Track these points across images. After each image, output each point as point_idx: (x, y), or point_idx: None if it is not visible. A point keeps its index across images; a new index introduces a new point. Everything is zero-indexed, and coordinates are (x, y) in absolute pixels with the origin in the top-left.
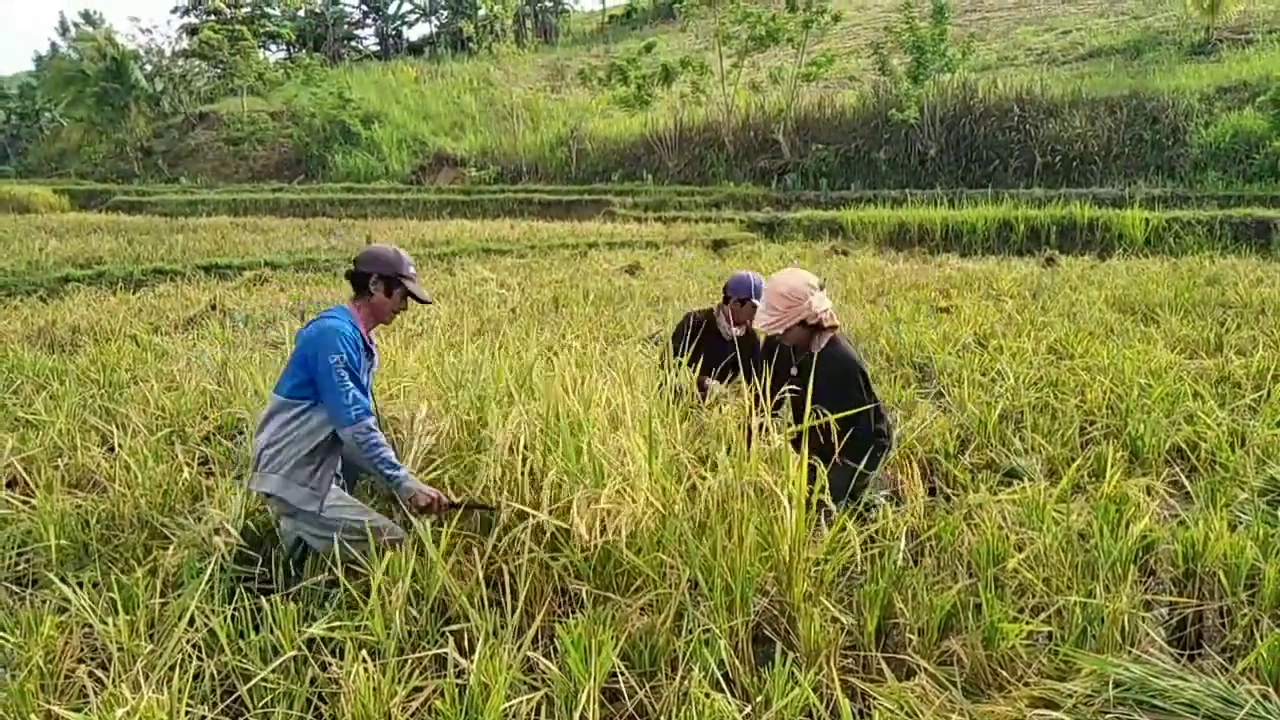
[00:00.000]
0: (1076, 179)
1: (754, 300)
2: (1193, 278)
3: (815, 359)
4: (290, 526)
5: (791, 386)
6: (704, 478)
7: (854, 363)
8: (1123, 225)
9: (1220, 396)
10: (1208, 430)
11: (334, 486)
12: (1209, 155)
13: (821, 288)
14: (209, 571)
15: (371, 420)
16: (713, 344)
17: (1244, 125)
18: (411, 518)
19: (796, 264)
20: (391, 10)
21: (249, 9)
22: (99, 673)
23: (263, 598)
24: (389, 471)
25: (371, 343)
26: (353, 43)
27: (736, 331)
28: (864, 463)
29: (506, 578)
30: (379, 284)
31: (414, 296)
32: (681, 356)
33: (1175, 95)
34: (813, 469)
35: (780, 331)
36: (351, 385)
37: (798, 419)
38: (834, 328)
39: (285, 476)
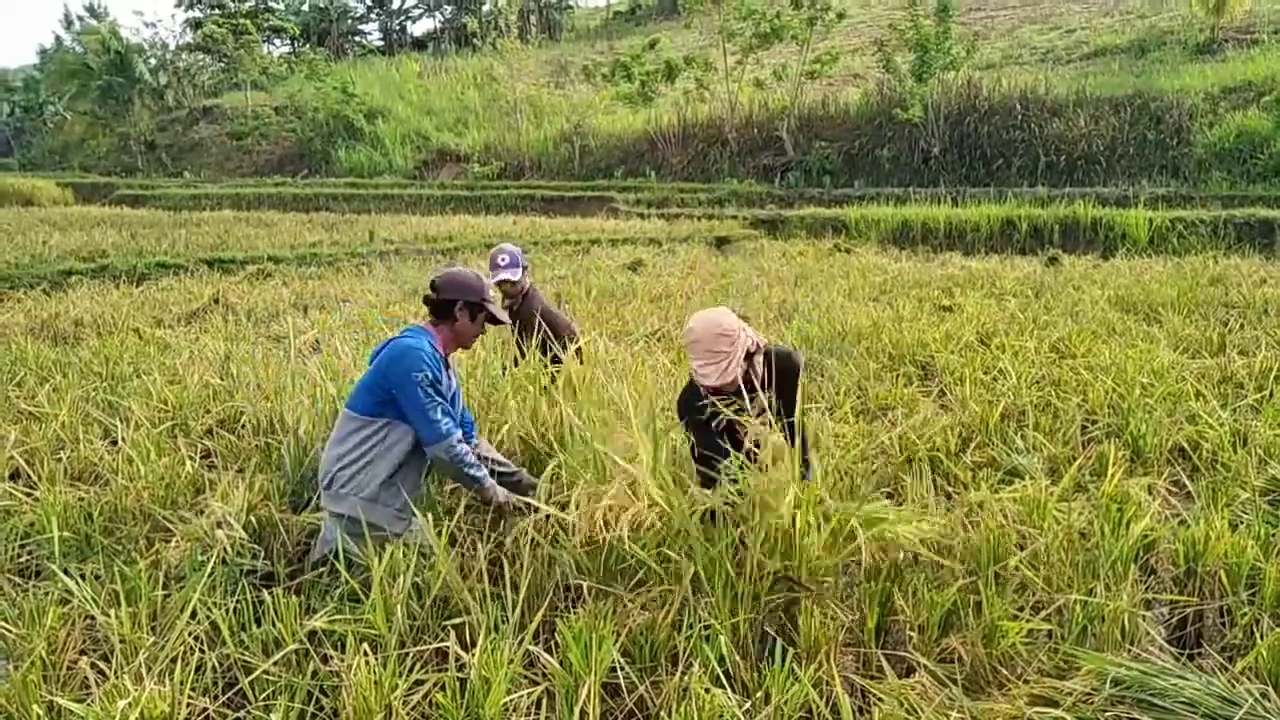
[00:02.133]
0: (1080, 178)
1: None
2: (1196, 278)
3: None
4: (351, 542)
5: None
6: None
7: (797, 358)
8: (1126, 225)
9: (1222, 396)
10: (1209, 430)
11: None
12: (1213, 155)
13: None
14: (211, 564)
15: (458, 435)
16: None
17: (1248, 125)
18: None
19: (714, 309)
20: (396, 5)
21: (253, 3)
22: (101, 664)
23: (264, 591)
24: (477, 483)
25: (451, 365)
26: (357, 37)
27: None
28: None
29: (508, 572)
30: (464, 310)
31: (494, 320)
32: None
33: (1180, 95)
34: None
35: (738, 373)
36: (440, 401)
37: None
38: (763, 345)
39: (370, 500)
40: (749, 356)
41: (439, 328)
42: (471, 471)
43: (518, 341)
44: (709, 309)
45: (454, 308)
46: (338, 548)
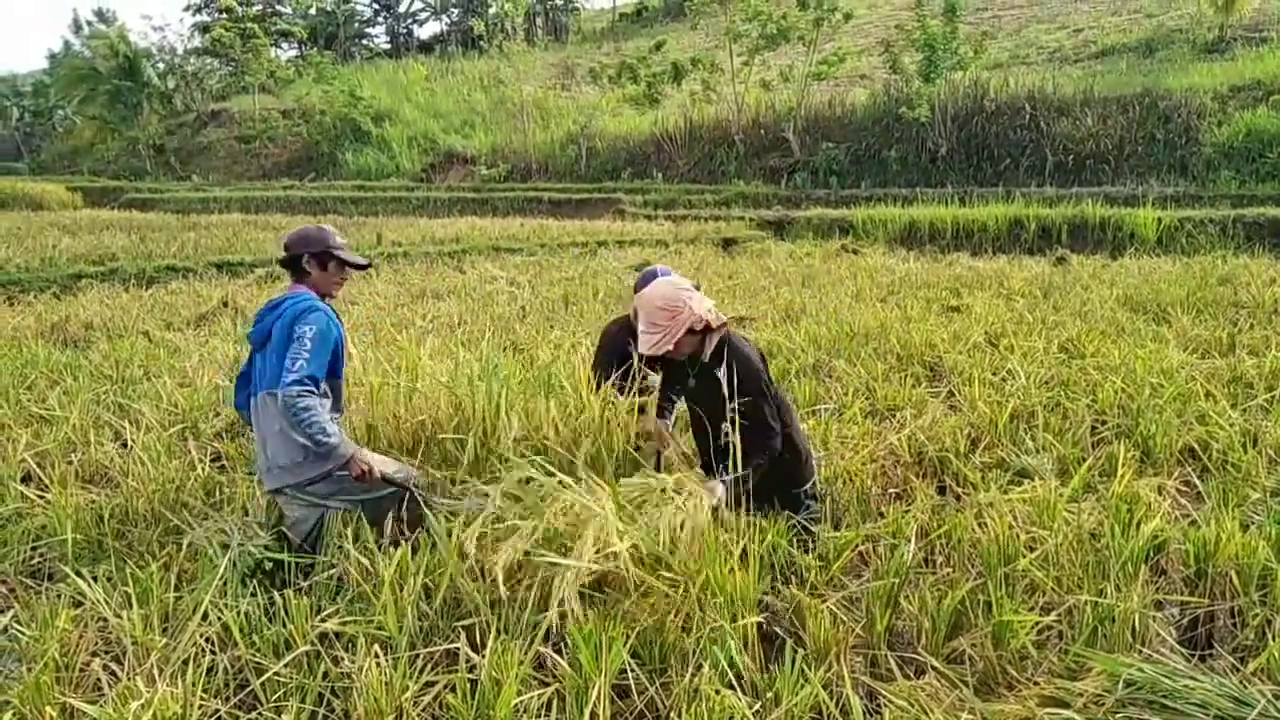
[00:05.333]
0: (1088, 178)
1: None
2: (1205, 277)
3: (717, 364)
4: (304, 510)
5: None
6: None
7: (755, 362)
8: (1135, 224)
9: (1232, 397)
10: (1219, 430)
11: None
12: (1222, 154)
13: (697, 288)
14: (222, 566)
15: (312, 390)
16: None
17: (1257, 124)
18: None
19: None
20: (402, 8)
21: (261, 7)
22: (114, 666)
23: (275, 592)
24: (322, 438)
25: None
26: (364, 41)
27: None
28: (754, 462)
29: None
30: (312, 262)
31: (349, 264)
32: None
33: (1188, 94)
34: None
35: (670, 347)
36: (311, 356)
37: (702, 433)
38: (723, 326)
39: (321, 459)
40: (702, 333)
41: (300, 285)
42: (314, 431)
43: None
44: (667, 278)
45: (301, 261)
46: (310, 525)
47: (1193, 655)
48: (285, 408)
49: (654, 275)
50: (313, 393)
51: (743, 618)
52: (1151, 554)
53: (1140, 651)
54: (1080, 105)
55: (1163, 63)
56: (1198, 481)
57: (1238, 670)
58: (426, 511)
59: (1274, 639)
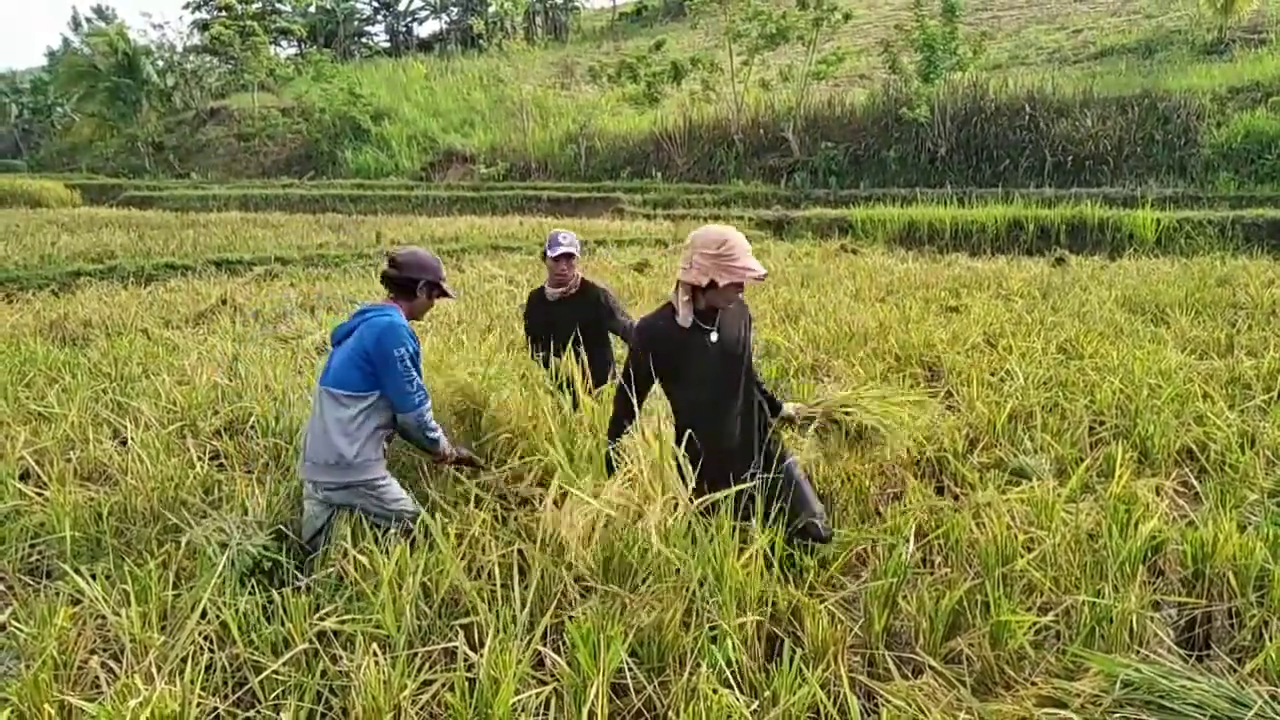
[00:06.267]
0: (1087, 179)
1: (561, 250)
2: (1204, 278)
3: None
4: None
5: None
6: None
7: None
8: (1134, 225)
9: (1230, 398)
10: (1218, 431)
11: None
12: (1221, 156)
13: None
14: (221, 565)
15: (428, 405)
16: (544, 314)
17: (1256, 126)
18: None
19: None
20: (402, 7)
21: (260, 5)
22: (112, 664)
23: (274, 590)
24: (435, 444)
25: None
26: (363, 39)
27: (557, 292)
28: None
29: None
30: (424, 289)
31: (446, 295)
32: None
33: (1187, 95)
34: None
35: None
36: (415, 374)
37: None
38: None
39: (372, 463)
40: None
41: (399, 303)
42: (432, 435)
43: (553, 325)
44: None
45: (416, 286)
46: (319, 525)
47: (1190, 656)
48: (418, 425)
49: (554, 234)
50: (429, 407)
51: (748, 613)
52: (1149, 555)
53: (1138, 652)
54: (1079, 106)
55: (1162, 64)
56: (1195, 482)
57: (1235, 671)
58: (428, 518)
59: (1271, 640)
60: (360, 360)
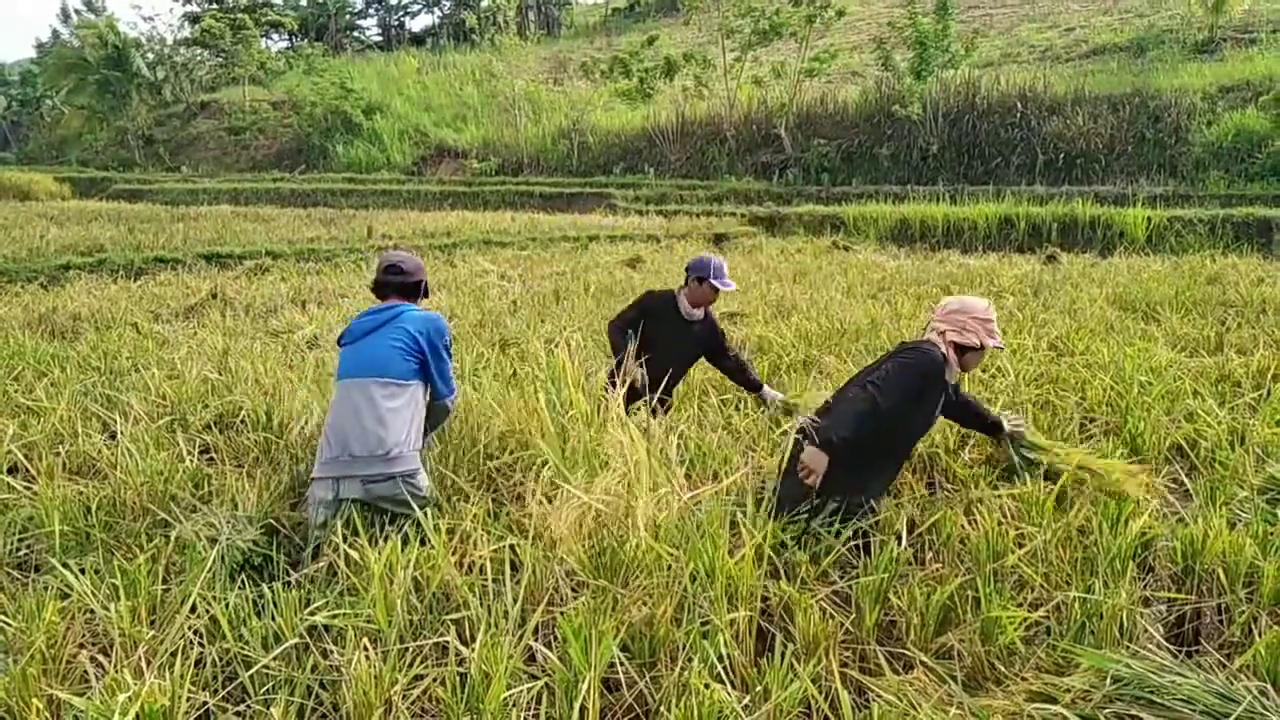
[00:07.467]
0: (1079, 176)
1: (712, 280)
2: (1194, 276)
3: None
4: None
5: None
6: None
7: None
8: (1124, 223)
9: (1220, 395)
10: (1207, 428)
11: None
12: (1211, 154)
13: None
14: (210, 559)
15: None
16: (671, 327)
17: (1246, 124)
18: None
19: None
20: (394, 1)
21: None
22: (101, 658)
23: (264, 584)
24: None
25: None
26: (355, 33)
27: (695, 314)
28: None
29: (508, 568)
30: (425, 288)
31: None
32: (630, 340)
33: (1178, 94)
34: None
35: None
36: (452, 363)
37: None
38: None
39: (415, 452)
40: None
41: (409, 302)
42: (450, 412)
43: (676, 339)
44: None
45: (422, 286)
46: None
47: (1180, 652)
48: (449, 409)
49: (705, 258)
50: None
51: (739, 608)
52: (1139, 551)
53: (1128, 648)
54: (1071, 104)
55: (1153, 63)
56: (1186, 479)
57: (1224, 666)
58: (417, 510)
59: (1260, 636)
60: (413, 350)
